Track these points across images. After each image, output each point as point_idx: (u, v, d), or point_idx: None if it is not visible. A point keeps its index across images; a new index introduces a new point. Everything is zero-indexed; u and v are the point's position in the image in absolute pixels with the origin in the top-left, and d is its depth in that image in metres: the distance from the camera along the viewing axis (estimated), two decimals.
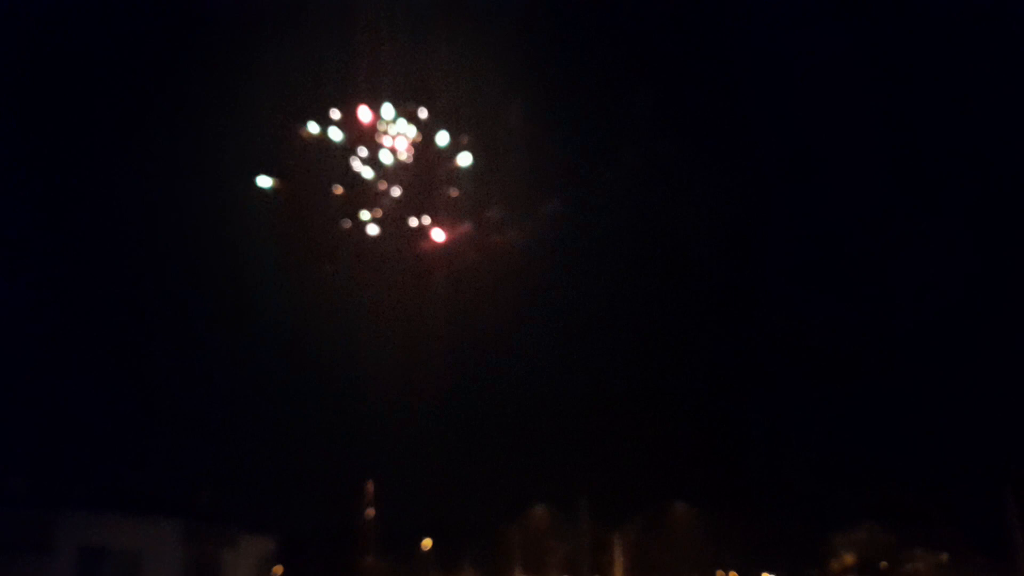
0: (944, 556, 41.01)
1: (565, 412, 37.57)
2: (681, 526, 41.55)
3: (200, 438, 33.07)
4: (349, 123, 33.08)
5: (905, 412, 37.85)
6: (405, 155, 33.33)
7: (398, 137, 32.96)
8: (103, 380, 31.69)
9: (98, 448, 31.24)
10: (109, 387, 31.70)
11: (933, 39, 36.37)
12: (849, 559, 42.42)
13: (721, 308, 38.88)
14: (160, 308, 32.85)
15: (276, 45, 32.86)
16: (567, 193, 37.53)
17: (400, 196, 34.30)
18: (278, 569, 35.80)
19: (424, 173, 33.83)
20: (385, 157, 33.51)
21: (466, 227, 34.91)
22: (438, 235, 34.84)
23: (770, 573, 41.56)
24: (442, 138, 32.46)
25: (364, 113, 32.63)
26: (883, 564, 41.92)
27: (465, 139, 32.35)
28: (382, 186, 34.60)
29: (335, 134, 33.06)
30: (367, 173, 33.96)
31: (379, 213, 34.57)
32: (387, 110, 31.96)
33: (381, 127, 33.05)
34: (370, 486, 36.02)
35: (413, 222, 34.69)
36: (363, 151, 33.91)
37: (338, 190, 32.71)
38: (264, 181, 34.11)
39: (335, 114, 33.56)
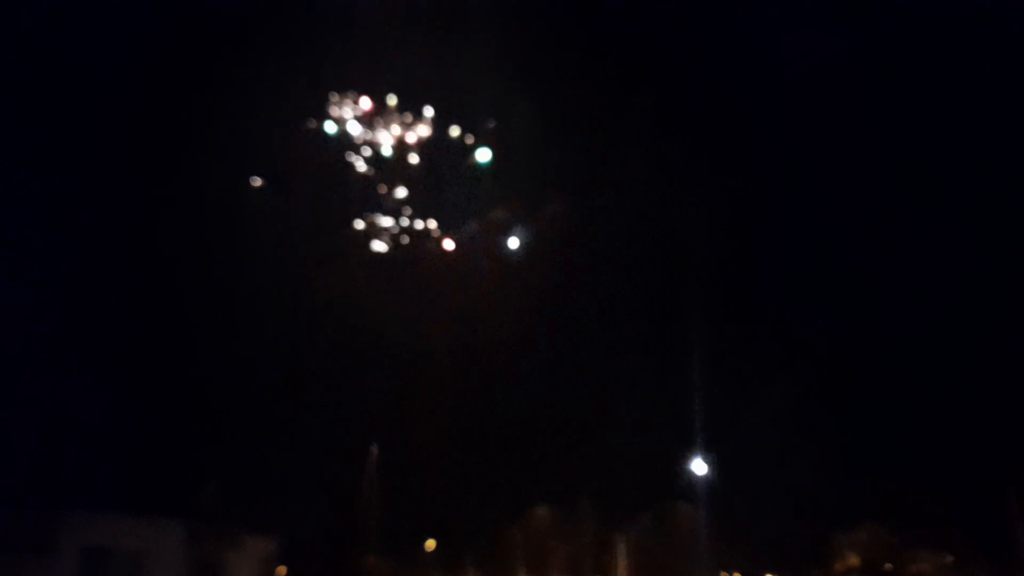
0: (949, 557, 40.86)
1: (568, 413, 37.39)
2: (684, 527, 41.37)
3: (204, 438, 32.81)
4: (351, 115, 33.20)
5: (909, 412, 37.68)
6: (414, 154, 33.43)
7: (405, 132, 33.07)
8: (105, 380, 31.46)
9: (100, 448, 30.98)
10: (111, 387, 31.46)
11: (933, 39, 36.40)
12: (853, 560, 42.26)
13: (723, 307, 38.81)
14: (162, 308, 32.56)
15: (278, 41, 32.83)
16: (574, 194, 37.63)
17: (406, 197, 34.37)
18: (281, 570, 35.68)
19: (431, 172, 33.91)
20: (386, 151, 33.58)
21: (475, 230, 34.93)
22: (448, 244, 34.96)
23: (773, 574, 41.40)
24: (455, 130, 32.37)
25: (365, 102, 32.74)
26: (888, 566, 41.80)
27: (486, 130, 32.36)
28: (383, 189, 34.66)
29: (331, 127, 33.14)
30: (369, 170, 34.06)
31: (384, 218, 34.69)
32: (390, 100, 32.11)
33: (384, 120, 33.15)
34: (374, 451, 35.87)
35: (419, 225, 34.78)
36: (366, 150, 34.00)
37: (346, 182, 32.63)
38: (259, 181, 34.23)
39: (335, 110, 33.72)
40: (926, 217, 37.63)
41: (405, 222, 35.17)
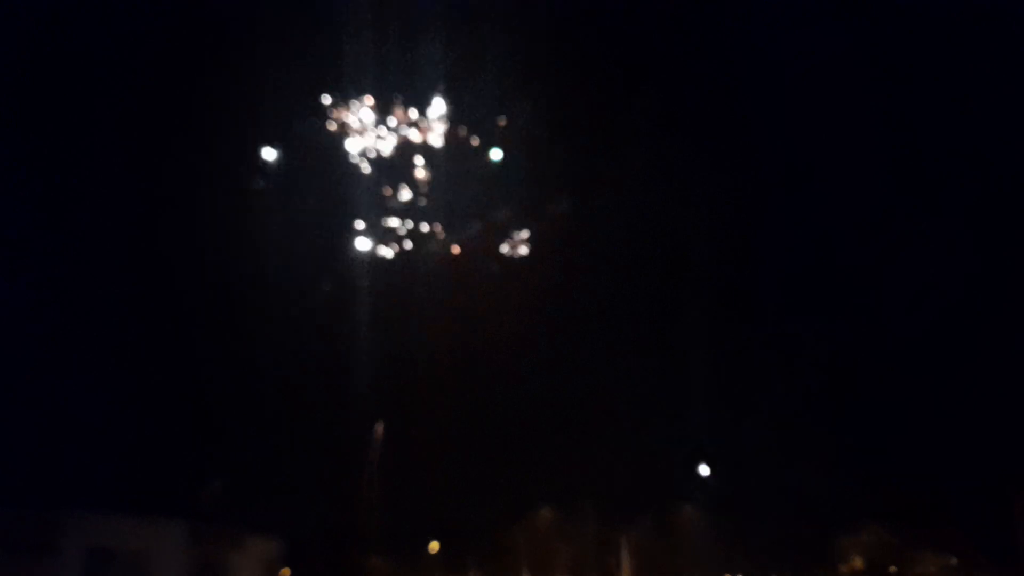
0: (953, 559, 40.82)
1: (569, 413, 37.29)
2: (687, 528, 41.27)
3: (206, 439, 32.64)
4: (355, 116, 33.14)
5: (912, 413, 37.63)
6: (418, 155, 33.39)
7: (408, 133, 33.02)
8: (107, 380, 31.27)
9: (102, 448, 30.80)
10: (112, 387, 31.26)
11: (933, 39, 36.46)
12: (857, 562, 42.21)
13: (724, 308, 38.74)
14: (163, 308, 32.41)
15: (280, 41, 32.79)
16: (575, 195, 37.61)
17: (409, 199, 34.35)
18: (285, 572, 35.56)
19: (435, 173, 33.87)
20: (387, 150, 33.55)
21: (477, 230, 34.88)
22: (450, 244, 34.93)
23: None
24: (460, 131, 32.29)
25: (368, 102, 32.69)
26: (892, 568, 41.74)
27: (492, 131, 32.39)
28: (387, 192, 34.63)
29: (333, 127, 33.09)
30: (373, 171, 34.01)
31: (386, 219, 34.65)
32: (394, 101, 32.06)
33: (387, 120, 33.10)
34: (379, 428, 35.74)
35: (423, 227, 34.77)
36: (370, 150, 33.95)
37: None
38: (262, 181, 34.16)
39: (338, 111, 33.66)
40: (926, 217, 37.65)
41: (408, 223, 35.07)
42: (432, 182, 35.70)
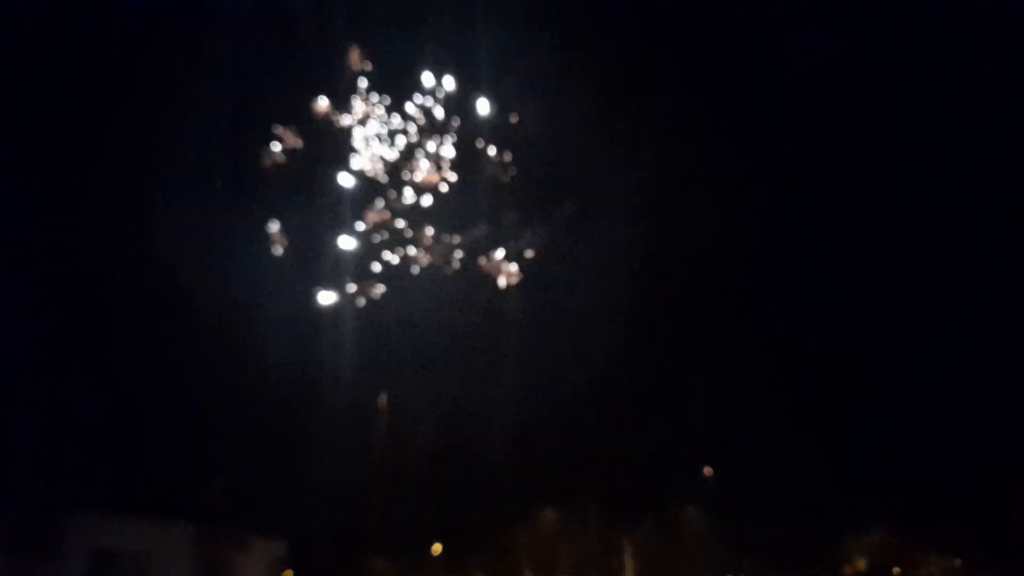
0: (957, 561, 40.78)
1: (573, 415, 37.14)
2: (690, 530, 41.17)
3: (210, 439, 32.44)
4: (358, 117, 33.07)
5: (915, 414, 37.60)
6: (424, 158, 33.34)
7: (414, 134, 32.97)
8: (109, 380, 31.10)
9: (104, 449, 30.64)
10: (115, 387, 31.12)
11: (933, 39, 36.58)
12: (861, 564, 42.14)
13: (729, 310, 38.73)
14: (165, 308, 32.23)
15: (283, 40, 32.75)
16: (574, 195, 37.63)
17: (415, 202, 34.31)
18: (288, 573, 35.41)
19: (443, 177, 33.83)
20: (387, 153, 33.48)
21: (482, 232, 34.86)
22: (453, 244, 34.87)
23: None
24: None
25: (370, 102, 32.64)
26: (896, 570, 41.67)
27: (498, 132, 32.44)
28: (392, 194, 34.57)
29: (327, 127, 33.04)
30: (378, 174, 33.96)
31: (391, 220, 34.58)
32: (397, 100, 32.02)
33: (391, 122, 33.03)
34: (383, 400, 35.59)
35: (428, 229, 34.73)
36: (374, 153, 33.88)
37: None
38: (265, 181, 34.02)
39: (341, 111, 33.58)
40: (926, 217, 37.71)
41: (415, 223, 35.04)
42: (438, 184, 35.66)
